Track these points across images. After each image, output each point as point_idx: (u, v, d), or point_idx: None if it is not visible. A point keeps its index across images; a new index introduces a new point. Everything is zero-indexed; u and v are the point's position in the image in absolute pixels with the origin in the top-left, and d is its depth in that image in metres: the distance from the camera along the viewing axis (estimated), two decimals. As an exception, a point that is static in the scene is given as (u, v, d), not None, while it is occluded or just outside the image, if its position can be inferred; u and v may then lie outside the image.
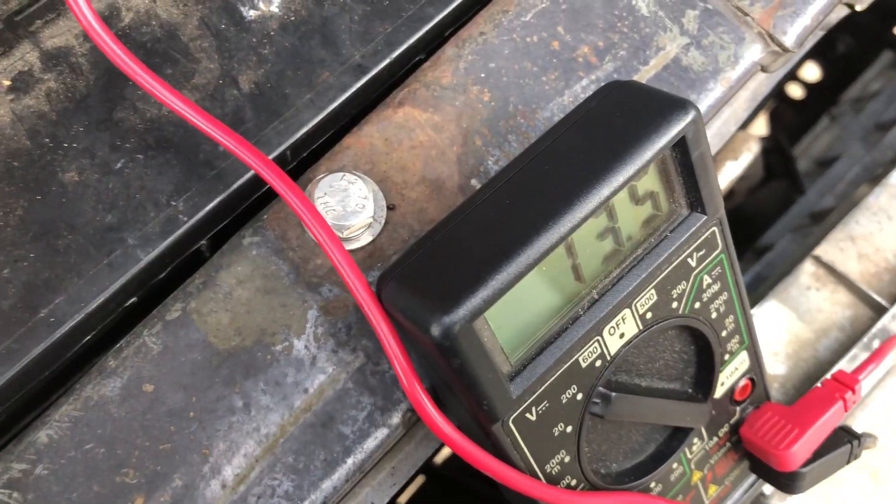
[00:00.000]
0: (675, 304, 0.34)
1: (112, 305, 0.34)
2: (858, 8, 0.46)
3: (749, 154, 0.60)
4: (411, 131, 0.37)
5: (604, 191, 0.29)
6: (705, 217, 0.33)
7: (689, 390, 0.37)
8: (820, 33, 0.46)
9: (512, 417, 0.31)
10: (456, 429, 0.30)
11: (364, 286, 0.30)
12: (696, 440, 0.39)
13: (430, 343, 0.28)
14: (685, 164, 0.31)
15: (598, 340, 0.32)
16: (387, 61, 0.37)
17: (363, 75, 0.37)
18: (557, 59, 0.38)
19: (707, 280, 0.35)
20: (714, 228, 0.34)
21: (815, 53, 1.27)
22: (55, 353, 0.32)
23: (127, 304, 0.34)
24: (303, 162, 0.37)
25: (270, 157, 0.35)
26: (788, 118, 1.32)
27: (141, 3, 0.37)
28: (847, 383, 0.40)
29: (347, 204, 0.34)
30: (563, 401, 0.32)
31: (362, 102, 0.38)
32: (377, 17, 0.38)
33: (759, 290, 0.59)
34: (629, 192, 0.31)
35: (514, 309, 0.30)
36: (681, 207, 0.33)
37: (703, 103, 0.38)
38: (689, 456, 0.39)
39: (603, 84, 0.35)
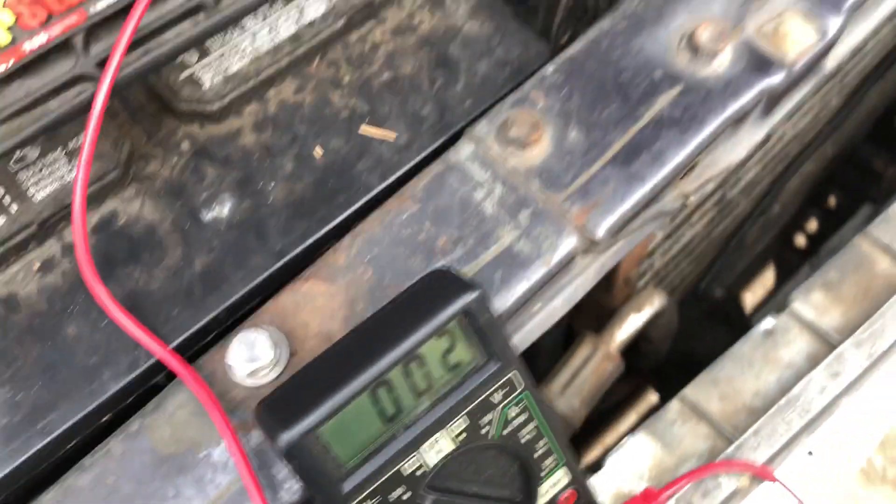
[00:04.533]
0: (485, 430, 0.46)
1: (91, 420, 0.48)
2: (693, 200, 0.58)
3: (651, 308, 0.71)
4: (313, 298, 0.51)
5: (406, 346, 0.42)
6: (501, 364, 0.45)
7: (516, 499, 0.49)
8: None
9: (346, 506, 0.43)
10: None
11: (226, 424, 0.44)
12: (527, 539, 0.50)
13: (278, 451, 0.41)
14: (476, 327, 0.44)
15: (417, 454, 0.44)
16: (301, 248, 0.52)
17: (282, 258, 0.52)
18: (422, 247, 0.52)
19: (513, 412, 0.47)
20: (513, 373, 0.46)
21: (813, 206, 1.38)
22: (48, 453, 0.47)
23: (103, 420, 0.49)
24: (238, 320, 0.52)
25: (209, 318, 0.50)
26: (793, 266, 1.42)
27: (133, 208, 0.53)
28: (651, 498, 0.50)
29: (255, 350, 0.48)
30: (394, 499, 0.44)
31: (283, 278, 0.52)
32: (298, 217, 0.53)
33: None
34: (435, 344, 0.44)
35: (346, 426, 0.42)
36: (480, 357, 0.45)
37: (530, 279, 0.51)
38: (523, 553, 0.50)
39: (439, 267, 0.49)
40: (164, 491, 0.47)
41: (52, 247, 0.52)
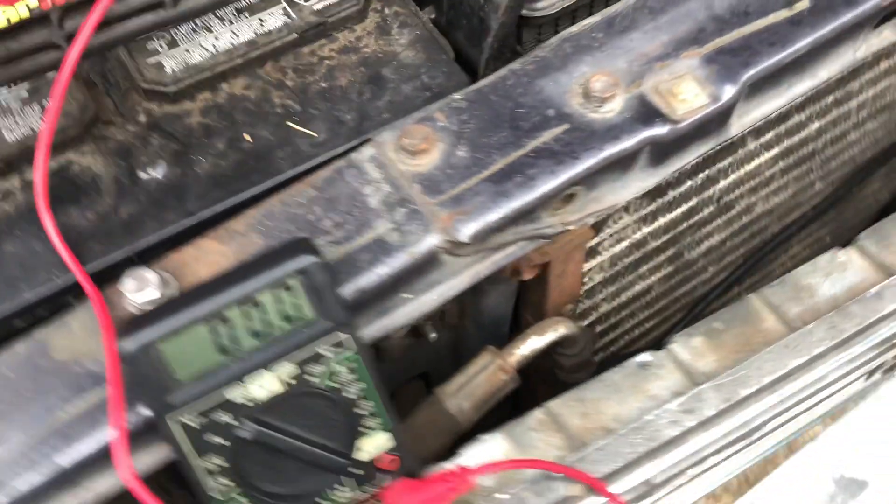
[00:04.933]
0: (314, 379, 0.54)
1: (6, 322, 0.58)
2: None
3: (554, 334, 0.77)
4: (209, 255, 0.60)
5: (242, 290, 0.51)
6: (333, 324, 0.53)
7: (335, 446, 0.56)
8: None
9: (173, 417, 0.51)
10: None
11: (109, 336, 0.53)
12: (344, 488, 0.56)
13: (122, 356, 0.50)
14: (313, 288, 0.52)
15: (245, 387, 0.52)
16: (210, 212, 0.62)
17: (193, 218, 0.61)
18: (309, 226, 0.60)
19: (342, 370, 0.54)
20: (345, 335, 0.53)
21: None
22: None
23: (17, 326, 0.59)
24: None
25: (121, 257, 0.60)
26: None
27: (86, 161, 0.64)
28: (464, 474, 0.56)
29: (145, 287, 0.57)
30: (219, 421, 0.52)
31: (191, 235, 0.61)
32: (216, 188, 0.63)
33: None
34: (273, 295, 0.52)
35: (183, 348, 0.51)
36: (315, 315, 0.53)
37: (393, 266, 0.59)
38: (337, 500, 0.56)
39: (301, 236, 0.57)
40: (48, 392, 0.56)
41: (13, 181, 0.62)
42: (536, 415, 0.68)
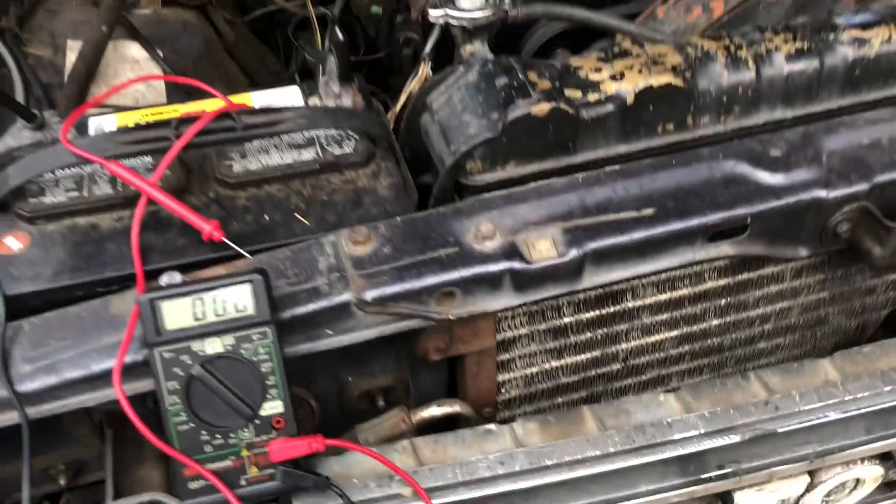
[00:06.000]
0: (244, 351, 0.87)
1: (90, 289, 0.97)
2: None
3: (450, 409, 1.07)
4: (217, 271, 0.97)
5: (208, 285, 0.86)
6: (262, 321, 0.87)
7: (249, 401, 0.88)
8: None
9: (158, 350, 0.86)
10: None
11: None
12: (247, 430, 0.88)
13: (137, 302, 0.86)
14: (255, 296, 0.87)
15: (202, 343, 0.87)
16: (226, 254, 0.99)
17: (216, 255, 0.99)
18: (278, 271, 0.96)
19: (261, 350, 0.88)
20: (267, 330, 0.87)
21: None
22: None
23: (98, 291, 0.97)
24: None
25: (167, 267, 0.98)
26: None
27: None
28: (319, 440, 0.87)
29: (171, 280, 0.94)
30: (182, 360, 0.86)
31: (214, 264, 0.99)
32: (237, 241, 1.00)
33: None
34: (232, 294, 0.87)
35: (172, 310, 0.86)
36: (254, 312, 0.87)
37: (317, 305, 0.93)
38: (243, 437, 0.88)
39: (263, 268, 0.93)
40: (100, 328, 0.92)
41: (128, 211, 1.03)
42: (403, 443, 0.98)
